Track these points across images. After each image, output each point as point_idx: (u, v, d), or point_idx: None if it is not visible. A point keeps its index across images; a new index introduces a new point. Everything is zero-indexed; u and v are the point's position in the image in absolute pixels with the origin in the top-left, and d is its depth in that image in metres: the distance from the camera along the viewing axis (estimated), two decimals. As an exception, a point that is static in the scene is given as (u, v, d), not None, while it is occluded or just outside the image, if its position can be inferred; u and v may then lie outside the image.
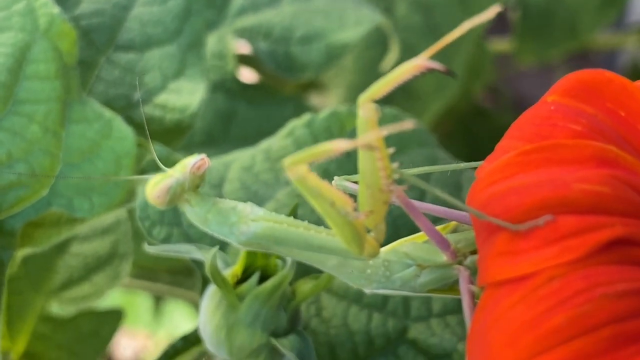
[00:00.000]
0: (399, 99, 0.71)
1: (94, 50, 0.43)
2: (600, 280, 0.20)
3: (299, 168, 0.22)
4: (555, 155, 0.22)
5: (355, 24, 0.57)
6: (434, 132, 0.97)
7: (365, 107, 0.23)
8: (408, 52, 0.70)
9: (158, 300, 0.89)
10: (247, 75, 0.75)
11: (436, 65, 0.23)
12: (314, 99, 0.77)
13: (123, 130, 0.39)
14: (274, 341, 0.35)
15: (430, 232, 0.26)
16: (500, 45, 0.94)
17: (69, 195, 0.39)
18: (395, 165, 0.25)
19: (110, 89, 0.43)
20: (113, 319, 0.54)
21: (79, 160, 0.39)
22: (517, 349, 0.19)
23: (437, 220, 0.28)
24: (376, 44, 0.69)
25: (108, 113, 0.40)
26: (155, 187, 0.27)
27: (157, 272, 0.62)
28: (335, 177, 0.27)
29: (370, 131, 0.23)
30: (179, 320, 1.00)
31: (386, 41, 0.66)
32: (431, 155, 0.42)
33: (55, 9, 0.39)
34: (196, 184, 0.27)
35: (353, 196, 0.25)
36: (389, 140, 0.43)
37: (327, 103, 0.75)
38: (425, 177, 0.41)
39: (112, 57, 0.44)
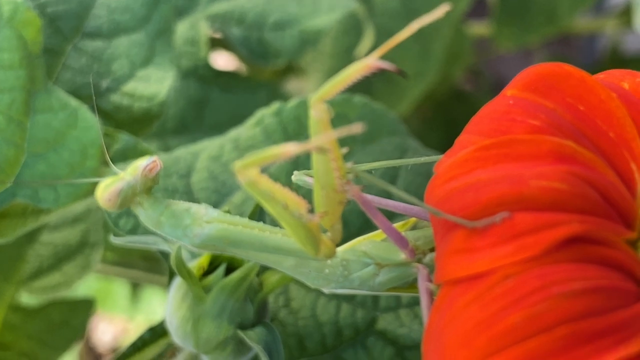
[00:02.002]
0: (378, 85, 0.71)
1: (60, 38, 0.43)
2: (556, 278, 0.19)
3: (249, 171, 0.22)
4: (513, 151, 0.22)
5: (328, 10, 0.57)
6: (413, 116, 0.97)
7: (317, 108, 0.23)
8: (386, 37, 0.69)
9: (135, 286, 0.89)
10: (225, 61, 0.74)
11: (387, 65, 0.22)
12: (293, 84, 0.77)
13: (89, 119, 0.39)
14: (240, 333, 0.35)
15: (388, 231, 0.25)
16: (480, 29, 0.94)
17: (34, 186, 0.38)
18: (349, 164, 0.24)
19: (78, 77, 0.43)
20: (84, 308, 0.54)
21: (44, 150, 0.38)
22: (471, 349, 0.19)
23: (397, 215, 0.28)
24: (353, 29, 0.69)
25: (74, 102, 0.39)
26: (106, 190, 0.26)
27: (132, 258, 0.61)
28: (295, 172, 0.27)
29: (321, 132, 0.23)
30: (157, 305, 0.99)
31: (363, 26, 0.65)
32: (401, 144, 0.42)
33: (19, -3, 0.38)
34: (148, 186, 0.27)
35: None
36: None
37: (305, 88, 0.75)
38: (395, 168, 0.40)
39: (79, 44, 0.43)
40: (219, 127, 0.57)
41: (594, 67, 1.06)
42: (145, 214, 0.27)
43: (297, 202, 0.23)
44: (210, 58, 0.60)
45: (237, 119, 0.46)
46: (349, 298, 0.38)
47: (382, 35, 0.69)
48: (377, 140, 0.41)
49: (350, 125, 0.20)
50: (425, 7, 0.71)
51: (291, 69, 0.76)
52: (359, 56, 0.65)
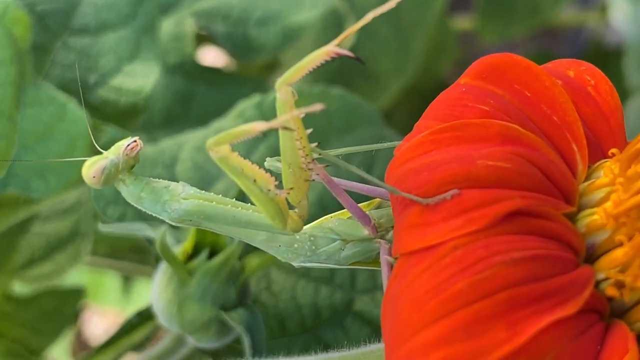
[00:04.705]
0: (358, 81, 0.72)
1: (49, 35, 0.45)
2: (499, 248, 0.21)
3: (221, 148, 0.24)
4: (464, 134, 0.23)
5: (311, 6, 0.58)
6: (398, 109, 0.98)
7: (282, 91, 0.25)
8: (366, 33, 0.71)
9: (126, 279, 0.90)
10: (214, 57, 0.76)
11: (344, 52, 0.24)
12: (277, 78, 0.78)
13: (76, 113, 0.41)
14: (223, 315, 0.36)
15: (351, 209, 0.27)
16: (464, 22, 0.95)
17: (25, 176, 0.40)
18: (314, 145, 0.26)
19: (66, 73, 0.44)
20: (75, 297, 0.55)
21: (34, 143, 0.40)
22: (423, 312, 0.21)
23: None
24: (334, 25, 0.70)
25: (62, 97, 0.41)
26: (91, 168, 0.28)
27: (123, 250, 0.63)
28: (268, 158, 0.29)
29: (287, 113, 0.25)
30: (148, 297, 1.00)
31: (344, 23, 0.67)
32: (377, 134, 0.43)
33: (9, -4, 0.40)
34: (130, 164, 0.29)
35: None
36: (337, 120, 0.44)
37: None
38: (372, 156, 0.42)
39: (68, 41, 0.45)
40: (205, 121, 0.58)
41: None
42: (127, 190, 0.29)
43: (265, 178, 0.25)
44: (198, 54, 0.61)
45: (223, 113, 0.47)
46: (328, 280, 0.40)
47: (362, 32, 0.70)
48: (354, 130, 0.43)
49: (311, 105, 0.22)
50: (405, 4, 0.72)
51: (276, 65, 0.78)
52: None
